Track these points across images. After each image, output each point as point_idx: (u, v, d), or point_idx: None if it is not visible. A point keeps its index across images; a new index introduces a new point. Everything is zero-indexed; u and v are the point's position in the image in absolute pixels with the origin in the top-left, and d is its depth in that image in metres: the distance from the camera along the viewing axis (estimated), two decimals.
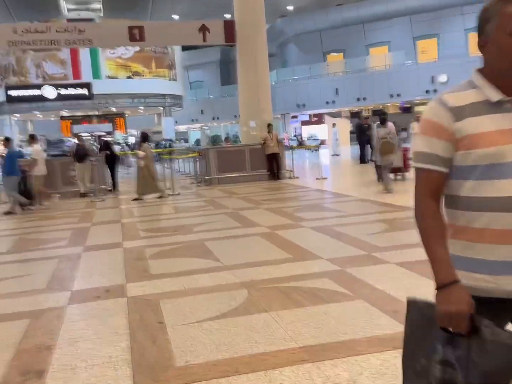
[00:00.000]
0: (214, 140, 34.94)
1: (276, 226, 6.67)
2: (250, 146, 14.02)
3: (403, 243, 5.25)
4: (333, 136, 26.99)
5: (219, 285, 4.25)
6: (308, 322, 3.25)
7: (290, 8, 42.26)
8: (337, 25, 39.58)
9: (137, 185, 11.10)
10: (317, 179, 12.96)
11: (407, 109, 38.09)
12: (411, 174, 11.61)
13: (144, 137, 11.44)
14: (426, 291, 4.06)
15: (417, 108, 39.57)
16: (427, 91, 33.65)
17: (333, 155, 21.56)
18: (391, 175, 10.76)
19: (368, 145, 17.16)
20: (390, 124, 9.56)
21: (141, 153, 10.91)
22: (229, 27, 14.78)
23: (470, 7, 35.07)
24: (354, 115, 39.08)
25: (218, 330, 3.25)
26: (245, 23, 14.49)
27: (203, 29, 14.76)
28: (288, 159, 14.79)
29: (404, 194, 9.56)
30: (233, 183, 13.29)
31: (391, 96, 34.76)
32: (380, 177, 10.05)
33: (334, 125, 28.78)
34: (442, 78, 33.14)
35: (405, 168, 11.12)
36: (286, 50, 43.93)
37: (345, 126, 39.34)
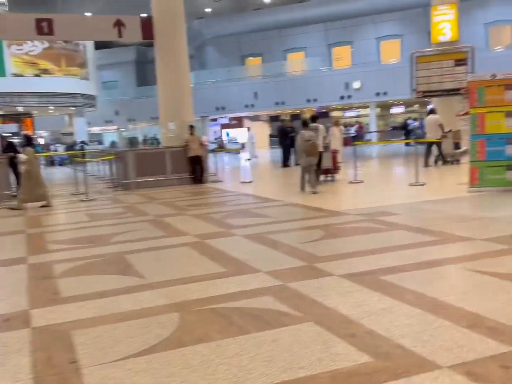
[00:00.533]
0: (131, 142, 33.61)
1: (205, 234, 6.10)
2: (171, 149, 13.33)
3: (342, 251, 4.91)
4: (249, 140, 26.61)
5: (144, 308, 3.63)
6: (255, 354, 2.74)
7: (208, 10, 41.83)
8: (255, 29, 39.66)
9: (20, 192, 9.87)
10: (242, 183, 12.55)
11: (323, 114, 38.93)
12: (340, 176, 11.59)
13: (28, 140, 10.48)
14: (379, 307, 3.78)
15: (333, 113, 40.69)
16: (341, 97, 34.60)
17: (248, 159, 21.21)
18: (322, 176, 10.74)
19: (292, 149, 17.06)
20: (320, 127, 9.41)
21: (23, 156, 9.82)
22: (147, 24, 14.02)
23: (381, 16, 36.59)
24: (273, 118, 39.30)
25: (145, 371, 2.65)
26: (164, 20, 13.82)
27: (118, 24, 13.87)
28: (211, 162, 14.27)
29: (334, 196, 9.40)
30: (153, 187, 12.54)
31: (308, 100, 35.34)
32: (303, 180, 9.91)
33: (249, 128, 28.52)
34: (356, 84, 34.20)
35: (334, 169, 11.03)
36: (204, 52, 43.36)
37: (264, 130, 39.48)
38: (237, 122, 42.57)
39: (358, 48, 37.75)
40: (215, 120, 42.15)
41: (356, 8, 36.32)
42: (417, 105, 38.85)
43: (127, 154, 13.10)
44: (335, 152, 11.07)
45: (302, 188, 9.60)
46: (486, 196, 7.79)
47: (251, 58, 41.05)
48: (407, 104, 37.48)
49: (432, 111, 14.99)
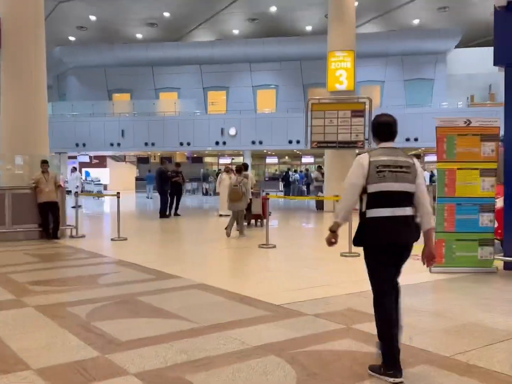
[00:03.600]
0: None
1: (61, 367, 3.13)
2: (13, 190, 9.82)
3: None
4: (73, 183, 21.56)
5: None
6: None
7: (72, 38, 38.02)
8: (124, 63, 36.70)
9: None
10: (113, 240, 9.49)
11: (196, 159, 36.82)
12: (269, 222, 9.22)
13: None
14: None
15: (207, 159, 38.77)
16: (217, 143, 32.83)
17: (73, 206, 14.19)
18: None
19: (175, 196, 14.37)
20: (250, 175, 7.23)
21: None
22: None
23: (258, 65, 36.11)
24: (142, 160, 36.15)
25: None
26: (15, 29, 10.42)
27: None
28: (70, 210, 10.98)
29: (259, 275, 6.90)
30: None
31: (181, 144, 32.98)
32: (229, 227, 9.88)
33: (74, 169, 23.77)
34: (232, 131, 32.78)
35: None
36: (65, 82, 39.07)
37: (131, 172, 36.05)
38: (99, 161, 38.52)
39: (234, 94, 36.65)
40: (74, 157, 37.64)
41: (231, 54, 35.39)
42: (287, 157, 38.64)
43: None
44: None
45: (228, 232, 9.73)
46: (455, 281, 5.85)
47: (118, 94, 37.73)
48: (281, 155, 37.02)
49: None
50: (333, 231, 3.26)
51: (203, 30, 37.19)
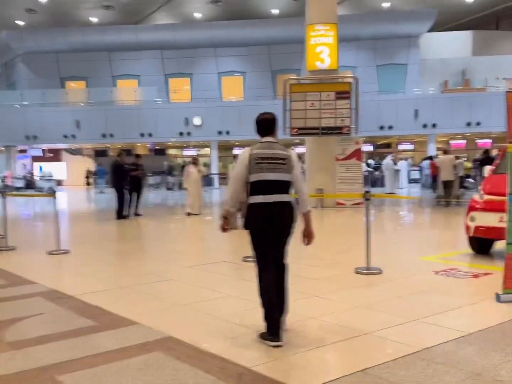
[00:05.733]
0: None
1: None
2: None
3: None
4: None
5: None
6: None
7: (20, 22, 34.88)
8: (78, 49, 33.84)
9: None
10: (51, 253, 7.33)
11: (159, 151, 34.42)
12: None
13: None
14: None
15: (170, 151, 36.38)
16: (181, 133, 30.59)
17: None
18: None
19: (135, 193, 12.26)
20: None
21: None
22: None
23: (223, 50, 33.90)
24: (99, 153, 33.52)
25: None
26: None
27: None
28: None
29: None
30: None
31: (142, 135, 30.58)
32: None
33: None
34: (197, 120, 30.59)
35: None
36: (13, 70, 35.90)
37: (86, 166, 33.36)
38: (54, 155, 35.61)
39: (198, 82, 34.35)
40: (24, 151, 34.63)
41: (195, 38, 33.06)
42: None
43: None
44: None
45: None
46: None
47: (72, 82, 34.86)
48: (250, 145, 34.93)
49: (446, 151, 14.45)
50: (225, 217, 3.66)
51: (163, 13, 34.71)
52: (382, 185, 25.53)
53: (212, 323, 4.02)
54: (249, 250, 6.48)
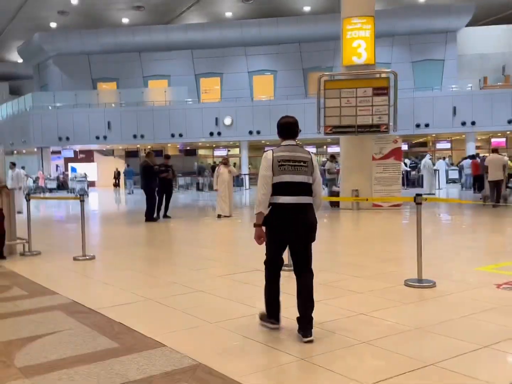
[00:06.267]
0: None
1: None
2: None
3: None
4: (13, 182, 14.68)
5: None
6: None
7: (53, 25, 35.20)
8: (109, 50, 33.95)
9: None
10: (76, 259, 6.98)
11: (190, 152, 34.19)
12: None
13: None
14: None
15: (201, 152, 36.13)
16: (211, 133, 30.27)
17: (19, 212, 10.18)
18: None
19: (164, 195, 11.92)
20: None
21: None
22: None
23: (254, 49, 33.46)
24: (131, 154, 33.54)
25: None
26: None
27: None
28: (21, 218, 8.47)
29: None
30: None
31: (173, 135, 30.39)
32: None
33: (13, 165, 15.81)
34: (227, 120, 30.21)
35: None
36: (46, 72, 36.30)
37: (119, 166, 33.39)
38: (85, 156, 35.84)
39: (228, 81, 33.99)
40: (57, 152, 34.96)
41: (225, 37, 32.71)
42: None
43: None
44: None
45: None
46: None
47: (103, 83, 35.00)
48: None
49: (495, 150, 13.79)
50: (260, 225, 3.68)
51: (193, 13, 34.48)
52: (419, 185, 24.63)
53: (249, 348, 3.52)
54: (287, 257, 5.97)
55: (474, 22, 32.18)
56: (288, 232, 3.61)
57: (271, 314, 3.75)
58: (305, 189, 3.67)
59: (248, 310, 4.36)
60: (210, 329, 3.92)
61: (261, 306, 4.01)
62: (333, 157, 16.09)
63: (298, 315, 3.62)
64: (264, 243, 3.71)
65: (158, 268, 6.57)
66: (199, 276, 5.87)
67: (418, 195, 4.95)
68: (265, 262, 3.80)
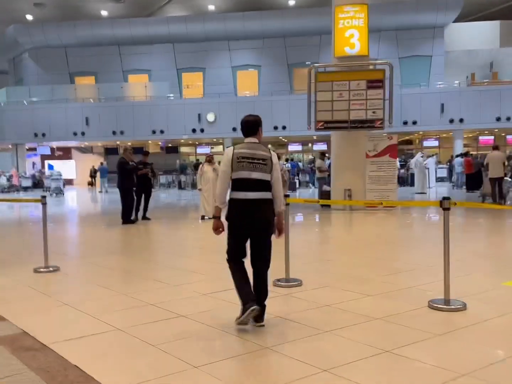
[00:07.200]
0: None
1: None
2: None
3: None
4: None
5: None
6: None
7: (29, 17, 33.79)
8: (87, 43, 32.71)
9: None
10: (37, 271, 6.02)
11: (171, 149, 33.09)
12: None
13: None
14: None
15: (183, 149, 35.04)
16: (193, 130, 29.27)
17: None
18: None
19: (143, 194, 10.99)
20: None
21: None
22: None
23: (237, 43, 32.50)
24: (110, 151, 32.38)
25: None
26: None
27: None
28: None
29: None
30: None
31: (154, 132, 29.35)
32: None
33: None
34: (210, 117, 29.22)
35: None
36: (21, 66, 34.86)
37: (93, 164, 31.97)
38: (63, 153, 34.52)
39: (211, 76, 32.98)
40: (33, 149, 33.60)
41: (208, 30, 31.70)
42: (269, 145, 34.98)
43: None
44: None
45: None
46: None
47: (81, 77, 33.71)
48: (265, 143, 33.43)
49: (496, 147, 13.28)
50: (218, 217, 3.87)
51: (175, 6, 33.40)
52: (408, 184, 24.00)
53: None
54: (281, 271, 5.05)
55: (462, 18, 31.69)
56: (245, 226, 3.76)
57: (246, 297, 3.71)
58: (263, 185, 3.78)
59: (242, 346, 3.46)
60: (195, 377, 3.01)
61: (258, 341, 3.10)
62: (323, 154, 15.25)
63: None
64: (227, 238, 3.89)
65: (132, 283, 5.62)
66: (181, 293, 4.95)
67: (445, 198, 4.10)
68: (227, 253, 3.91)
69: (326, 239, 9.09)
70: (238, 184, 3.76)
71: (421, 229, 10.27)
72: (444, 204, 4.07)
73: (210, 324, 3.96)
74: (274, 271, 5.57)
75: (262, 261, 3.83)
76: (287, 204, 5.15)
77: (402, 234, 9.49)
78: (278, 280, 5.13)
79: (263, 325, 3.72)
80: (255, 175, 3.74)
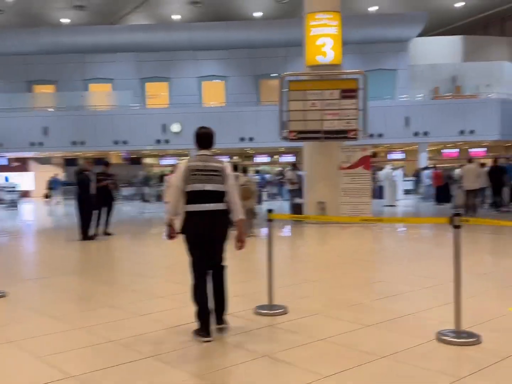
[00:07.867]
0: None
1: None
2: None
3: None
4: None
5: None
6: None
7: None
8: (47, 51, 31.42)
9: None
10: None
11: (135, 160, 32.07)
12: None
13: None
14: None
15: (147, 160, 34.03)
16: (158, 141, 28.39)
17: None
18: None
19: (104, 208, 10.18)
20: None
21: None
22: None
23: (203, 53, 31.89)
24: (70, 162, 31.10)
25: None
26: None
27: None
28: None
29: None
30: None
31: (116, 142, 28.30)
32: None
33: None
34: (175, 127, 28.43)
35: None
36: None
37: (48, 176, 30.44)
38: (20, 164, 32.97)
39: (176, 86, 32.23)
40: None
41: (173, 40, 31.00)
42: (236, 157, 34.45)
43: None
44: None
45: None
46: None
47: (40, 85, 32.38)
48: (231, 154, 32.96)
49: (470, 161, 13.60)
50: (170, 225, 3.97)
51: (139, 15, 32.60)
52: (376, 197, 23.79)
53: None
54: (263, 297, 4.41)
55: (426, 32, 32.12)
56: (201, 235, 3.83)
57: (203, 325, 3.76)
58: (217, 196, 3.86)
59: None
60: None
61: None
62: (294, 166, 14.74)
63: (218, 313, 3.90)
64: (187, 252, 3.93)
65: (90, 312, 4.86)
66: (148, 327, 4.24)
67: (456, 214, 3.58)
68: (191, 266, 3.92)
69: (306, 256, 8.50)
70: (192, 197, 3.82)
71: (400, 244, 9.82)
72: (455, 221, 3.54)
73: (183, 367, 3.27)
74: (254, 295, 4.93)
75: (219, 270, 3.93)
76: (270, 220, 4.54)
77: (384, 250, 9.02)
78: (260, 307, 4.50)
79: (227, 326, 3.89)
80: (209, 186, 3.81)
